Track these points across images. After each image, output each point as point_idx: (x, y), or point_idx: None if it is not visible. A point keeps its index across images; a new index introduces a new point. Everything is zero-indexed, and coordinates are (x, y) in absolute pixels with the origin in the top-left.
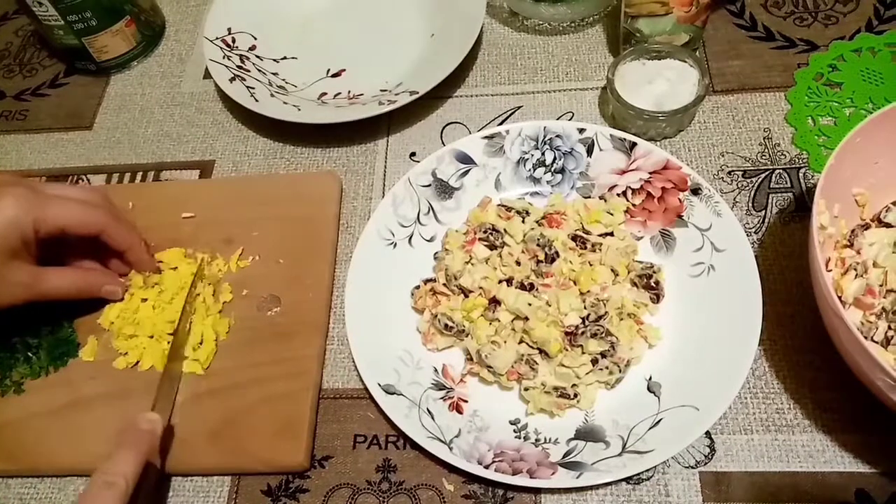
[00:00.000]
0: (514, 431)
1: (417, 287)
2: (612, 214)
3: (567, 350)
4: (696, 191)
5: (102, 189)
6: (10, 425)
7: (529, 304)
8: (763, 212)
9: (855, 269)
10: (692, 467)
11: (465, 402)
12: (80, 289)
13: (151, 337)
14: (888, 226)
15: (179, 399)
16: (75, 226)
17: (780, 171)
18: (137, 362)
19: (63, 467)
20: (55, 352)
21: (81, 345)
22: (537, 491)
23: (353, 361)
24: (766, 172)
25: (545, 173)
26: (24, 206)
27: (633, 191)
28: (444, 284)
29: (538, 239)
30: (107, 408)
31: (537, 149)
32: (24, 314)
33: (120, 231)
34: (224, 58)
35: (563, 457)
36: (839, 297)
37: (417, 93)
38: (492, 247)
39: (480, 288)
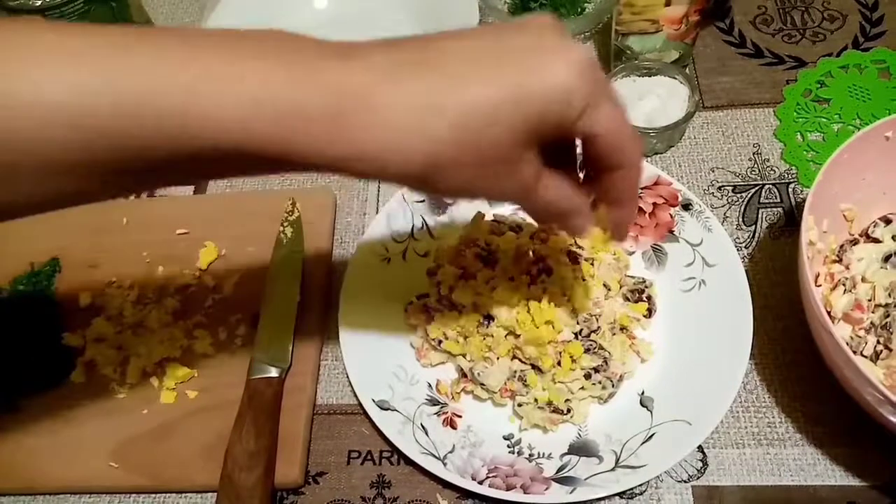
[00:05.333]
0: (508, 446)
1: (411, 303)
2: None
3: (559, 365)
4: (686, 206)
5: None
6: (4, 443)
7: (522, 320)
8: (753, 227)
9: (843, 285)
10: (685, 481)
11: (459, 417)
12: (566, 210)
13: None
14: (876, 241)
15: (174, 416)
16: (610, 144)
17: (770, 186)
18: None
19: (58, 485)
20: (51, 369)
21: (76, 363)
22: None
23: (347, 377)
24: (756, 187)
25: None
26: (585, 86)
27: None
28: (437, 300)
29: (531, 254)
30: (99, 424)
31: None
32: (19, 331)
33: (637, 174)
34: None
35: (557, 472)
36: (828, 313)
37: None
38: (485, 262)
39: (473, 303)
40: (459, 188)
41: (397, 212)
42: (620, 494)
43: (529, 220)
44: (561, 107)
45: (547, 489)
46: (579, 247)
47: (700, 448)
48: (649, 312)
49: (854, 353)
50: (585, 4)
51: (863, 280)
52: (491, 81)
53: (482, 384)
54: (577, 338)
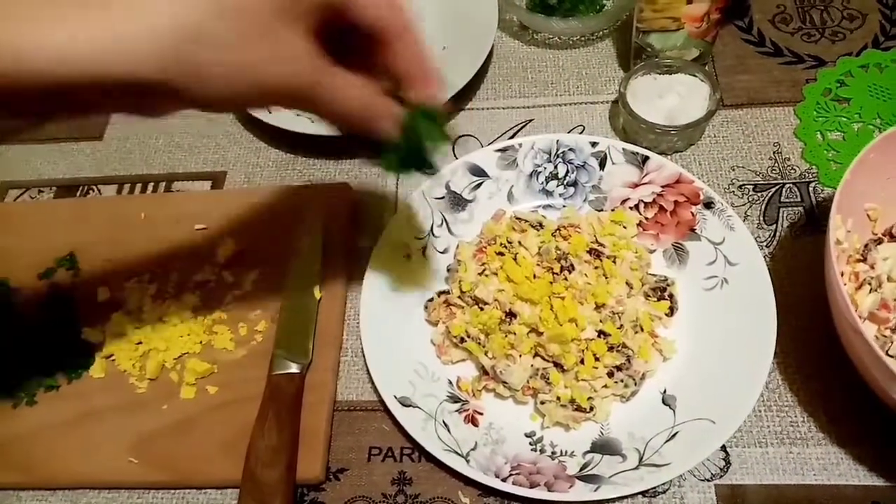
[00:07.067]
0: (531, 444)
1: (431, 299)
2: (625, 227)
3: (582, 363)
4: (708, 204)
5: None
6: (23, 438)
7: (545, 318)
8: (774, 226)
9: (869, 284)
10: (708, 480)
11: (481, 414)
12: (363, 111)
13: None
14: None
15: (194, 411)
16: (373, 13)
17: (791, 185)
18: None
19: (75, 480)
20: (71, 365)
21: (95, 358)
22: None
23: (368, 373)
24: (777, 186)
25: (558, 186)
26: None
27: (646, 204)
28: (459, 297)
29: (553, 251)
30: (119, 420)
31: (550, 162)
32: (37, 326)
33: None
34: None
35: (580, 470)
36: None
37: None
38: (506, 259)
39: (496, 300)
40: (226, 76)
41: (417, 208)
42: (644, 493)
43: (551, 217)
44: None
45: (571, 487)
46: (601, 244)
47: (723, 447)
48: (671, 311)
49: None
50: (604, 1)
51: (888, 279)
52: None
53: (504, 382)
54: (600, 335)
